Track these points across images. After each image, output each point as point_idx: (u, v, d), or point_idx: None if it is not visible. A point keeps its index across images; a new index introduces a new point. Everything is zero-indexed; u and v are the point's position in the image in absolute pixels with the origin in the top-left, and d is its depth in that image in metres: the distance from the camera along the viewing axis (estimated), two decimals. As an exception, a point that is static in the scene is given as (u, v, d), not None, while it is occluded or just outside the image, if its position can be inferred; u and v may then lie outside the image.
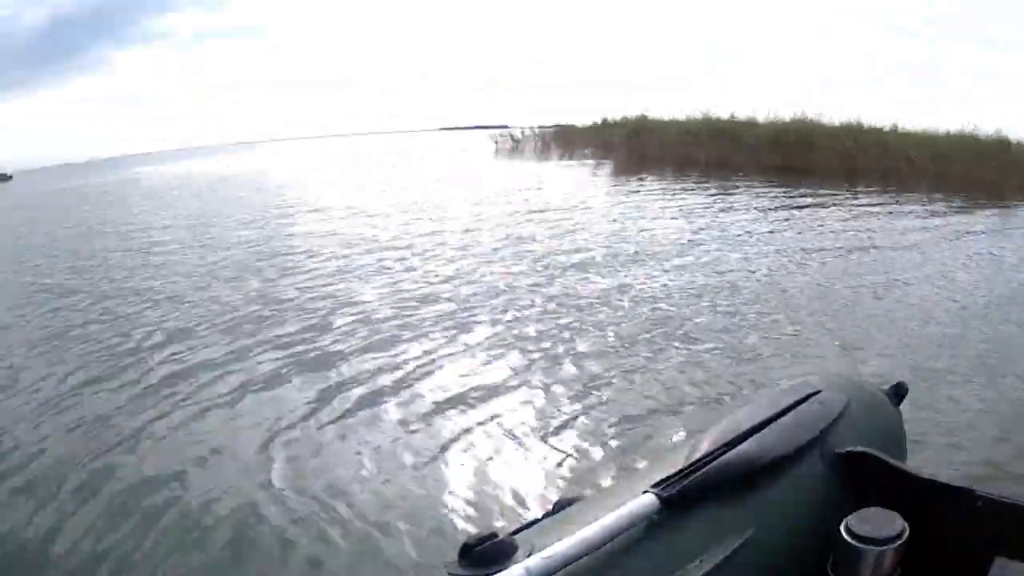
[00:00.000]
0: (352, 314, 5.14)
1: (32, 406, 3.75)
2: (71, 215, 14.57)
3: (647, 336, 4.37)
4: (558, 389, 3.58)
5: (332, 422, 3.34)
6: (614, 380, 3.69)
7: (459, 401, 3.49)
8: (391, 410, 3.46)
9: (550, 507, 1.19)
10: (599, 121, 26.02)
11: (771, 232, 8.10)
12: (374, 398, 3.60)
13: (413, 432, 3.20)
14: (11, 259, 9.04)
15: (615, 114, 24.90)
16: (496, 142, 30.91)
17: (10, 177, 78.45)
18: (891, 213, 9.52)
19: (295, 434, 3.24)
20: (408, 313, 5.10)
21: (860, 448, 1.01)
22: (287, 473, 2.88)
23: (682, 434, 2.97)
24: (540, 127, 30.15)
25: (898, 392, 1.22)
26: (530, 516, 1.71)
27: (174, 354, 4.47)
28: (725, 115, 20.56)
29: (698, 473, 0.93)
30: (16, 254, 9.45)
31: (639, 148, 20.61)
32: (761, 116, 19.93)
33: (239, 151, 66.67)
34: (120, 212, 14.50)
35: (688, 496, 0.91)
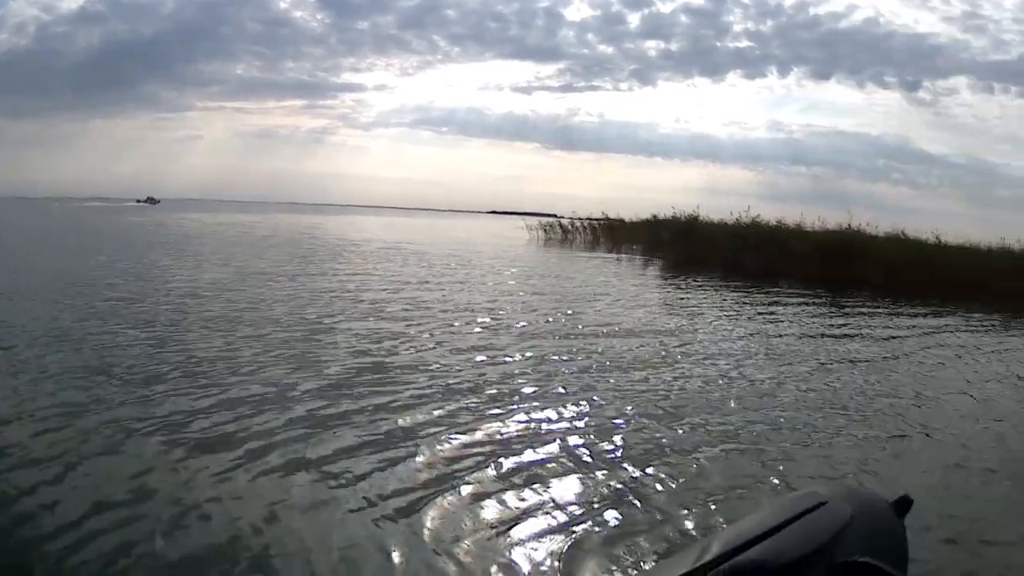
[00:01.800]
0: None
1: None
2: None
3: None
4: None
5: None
6: (647, 476, 3.86)
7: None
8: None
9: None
10: (649, 218, 27.06)
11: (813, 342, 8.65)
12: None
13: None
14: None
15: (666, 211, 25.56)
16: (545, 231, 31.82)
17: (158, 201, 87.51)
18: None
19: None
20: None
21: (863, 559, 1.06)
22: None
23: (694, 534, 3.14)
24: (589, 219, 30.96)
25: (902, 505, 1.25)
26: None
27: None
28: (774, 220, 21.41)
29: None
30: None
31: (687, 249, 21.20)
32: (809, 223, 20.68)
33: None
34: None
35: None
